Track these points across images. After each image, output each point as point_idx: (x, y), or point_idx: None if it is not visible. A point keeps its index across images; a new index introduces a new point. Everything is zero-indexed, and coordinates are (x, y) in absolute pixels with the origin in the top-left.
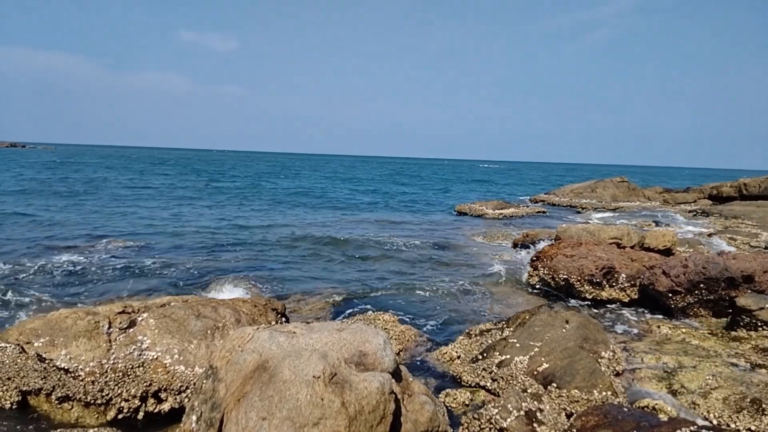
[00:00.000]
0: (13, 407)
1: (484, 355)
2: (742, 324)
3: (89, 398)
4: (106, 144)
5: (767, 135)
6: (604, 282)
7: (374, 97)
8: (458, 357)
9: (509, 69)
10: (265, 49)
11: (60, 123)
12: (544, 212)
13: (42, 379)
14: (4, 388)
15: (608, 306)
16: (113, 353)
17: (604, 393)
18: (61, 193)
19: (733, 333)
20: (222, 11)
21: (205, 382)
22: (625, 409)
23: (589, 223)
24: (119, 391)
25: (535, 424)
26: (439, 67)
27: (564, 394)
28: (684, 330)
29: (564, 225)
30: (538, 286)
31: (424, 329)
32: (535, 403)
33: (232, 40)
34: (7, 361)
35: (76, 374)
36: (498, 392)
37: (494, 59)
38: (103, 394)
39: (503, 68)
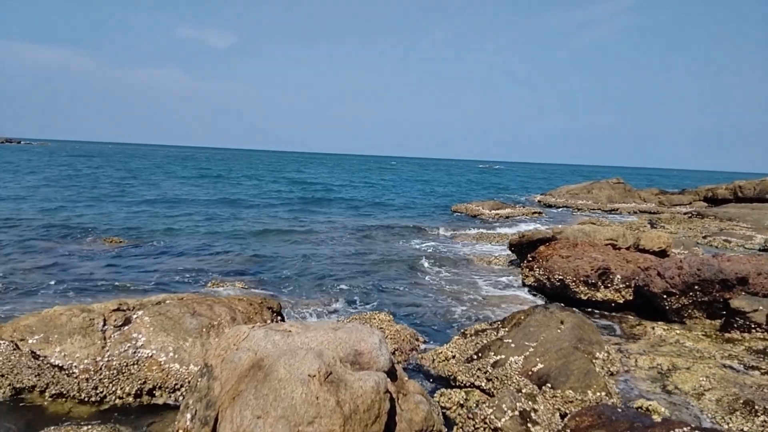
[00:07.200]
0: (7, 401)
1: (479, 355)
2: (735, 326)
3: (83, 395)
4: (102, 141)
5: (763, 137)
6: (599, 283)
7: (371, 95)
8: (453, 357)
9: (505, 69)
10: (263, 45)
11: (57, 119)
12: (540, 213)
13: (36, 376)
14: None
15: (603, 307)
16: (108, 351)
17: (598, 393)
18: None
19: (727, 335)
20: (218, 6)
21: (200, 380)
22: (619, 410)
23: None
24: (113, 389)
25: (529, 424)
26: (439, 66)
27: (558, 395)
28: (678, 331)
29: (560, 226)
30: (533, 287)
31: (420, 329)
32: (530, 403)
33: (230, 35)
34: (1, 358)
35: (71, 371)
36: (493, 392)
37: (491, 58)
38: (98, 391)
39: (500, 68)
